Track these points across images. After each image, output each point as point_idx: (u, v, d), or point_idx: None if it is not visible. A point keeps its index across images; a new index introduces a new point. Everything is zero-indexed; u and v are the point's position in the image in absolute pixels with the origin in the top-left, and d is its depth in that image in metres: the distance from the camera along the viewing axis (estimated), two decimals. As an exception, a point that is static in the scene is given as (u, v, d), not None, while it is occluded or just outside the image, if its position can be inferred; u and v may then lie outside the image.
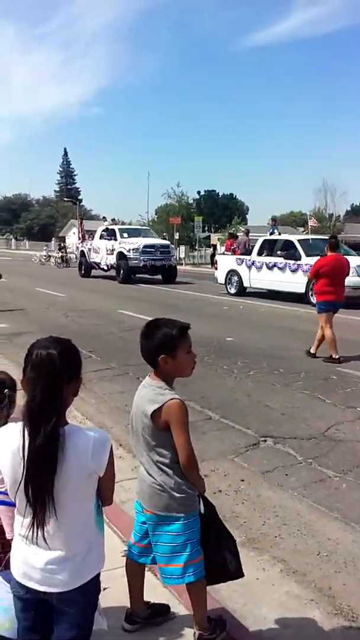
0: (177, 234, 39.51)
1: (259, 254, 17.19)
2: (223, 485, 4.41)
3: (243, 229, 30.17)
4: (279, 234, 19.68)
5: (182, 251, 39.14)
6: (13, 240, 78.73)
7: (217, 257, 20.97)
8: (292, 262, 15.57)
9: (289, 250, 16.01)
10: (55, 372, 1.78)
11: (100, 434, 1.90)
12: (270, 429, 5.65)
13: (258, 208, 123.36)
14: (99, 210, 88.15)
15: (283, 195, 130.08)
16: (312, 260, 11.89)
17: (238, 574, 2.65)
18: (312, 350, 8.86)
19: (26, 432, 1.78)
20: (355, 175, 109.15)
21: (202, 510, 2.58)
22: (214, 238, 46.94)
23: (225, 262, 18.84)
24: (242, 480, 4.52)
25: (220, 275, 18.89)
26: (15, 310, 14.15)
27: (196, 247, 42.59)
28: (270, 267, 16.42)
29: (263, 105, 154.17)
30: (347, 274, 9.23)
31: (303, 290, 15.05)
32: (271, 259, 16.43)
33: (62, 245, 37.75)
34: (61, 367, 1.79)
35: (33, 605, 1.91)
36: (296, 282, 15.31)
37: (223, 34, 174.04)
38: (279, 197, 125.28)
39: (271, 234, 19.41)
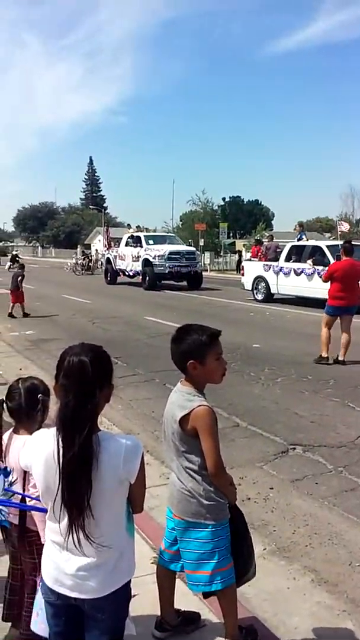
0: (202, 240, 39.50)
1: (287, 260, 16.97)
2: (252, 493, 4.37)
3: (267, 234, 29.90)
4: (307, 239, 19.42)
5: (207, 257, 39.13)
6: (39, 247, 79.77)
7: (243, 264, 20.83)
8: (320, 268, 15.30)
9: (317, 256, 15.72)
10: (87, 379, 1.78)
11: (131, 440, 1.89)
12: (299, 436, 5.59)
13: (284, 214, 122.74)
14: (124, 217, 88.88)
15: (309, 201, 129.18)
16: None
17: (253, 575, 2.66)
18: (340, 357, 8.78)
19: (60, 439, 1.78)
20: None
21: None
22: (239, 244, 46.81)
23: (252, 269, 18.66)
24: (271, 488, 4.47)
25: (247, 281, 18.72)
26: (43, 317, 14.33)
27: (221, 254, 42.53)
28: (298, 273, 16.23)
29: (287, 109, 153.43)
30: None
31: None
32: (299, 265, 16.24)
33: (84, 252, 38.03)
34: (93, 374, 1.79)
35: (64, 611, 1.91)
36: (325, 289, 15.08)
37: (247, 40, 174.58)
38: (304, 202, 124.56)
39: (299, 239, 19.17)
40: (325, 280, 9.35)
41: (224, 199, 70.35)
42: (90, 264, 36.03)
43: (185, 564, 2.53)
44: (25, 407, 2.41)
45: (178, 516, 2.52)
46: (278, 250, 18.68)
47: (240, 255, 39.28)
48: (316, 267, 15.46)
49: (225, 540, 2.50)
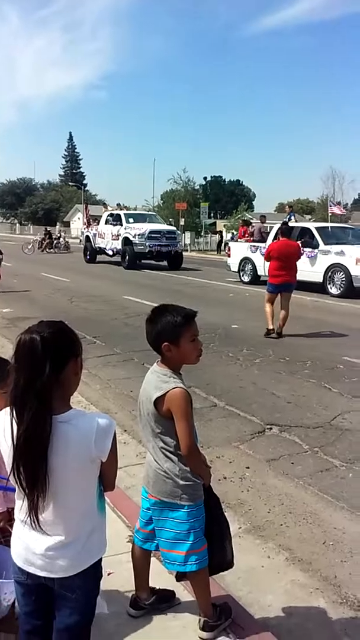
0: (183, 220, 39.26)
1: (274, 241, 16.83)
2: (228, 472, 4.39)
3: (252, 217, 29.78)
4: (295, 221, 19.33)
5: (187, 237, 38.95)
6: (17, 224, 78.55)
7: (230, 244, 20.62)
8: (309, 250, 14.90)
9: (306, 238, 15.30)
10: (36, 358, 1.72)
11: (104, 418, 1.85)
12: (276, 417, 5.62)
13: (265, 195, 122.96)
14: (104, 195, 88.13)
15: (290, 182, 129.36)
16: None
17: (231, 564, 2.67)
18: (278, 329, 9.39)
19: (13, 418, 1.75)
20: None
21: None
22: (220, 224, 46.71)
23: (239, 250, 18.33)
24: (248, 468, 4.49)
25: (233, 263, 18.46)
26: (21, 295, 14.15)
27: (202, 234, 42.37)
28: None
29: (269, 90, 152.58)
30: (298, 258, 9.91)
31: (320, 279, 14.67)
32: None
33: (47, 230, 36.97)
34: (43, 353, 1.73)
35: (34, 591, 1.89)
36: (313, 272, 14.76)
37: (229, 19, 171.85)
38: (286, 184, 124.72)
39: (288, 220, 19.04)
40: (266, 260, 9.88)
41: (205, 178, 70.14)
42: (56, 241, 34.94)
43: (161, 542, 2.53)
44: None
45: (154, 496, 2.50)
46: (263, 232, 18.55)
47: (221, 236, 39.24)
48: (304, 249, 15.30)
49: (200, 521, 2.49)
